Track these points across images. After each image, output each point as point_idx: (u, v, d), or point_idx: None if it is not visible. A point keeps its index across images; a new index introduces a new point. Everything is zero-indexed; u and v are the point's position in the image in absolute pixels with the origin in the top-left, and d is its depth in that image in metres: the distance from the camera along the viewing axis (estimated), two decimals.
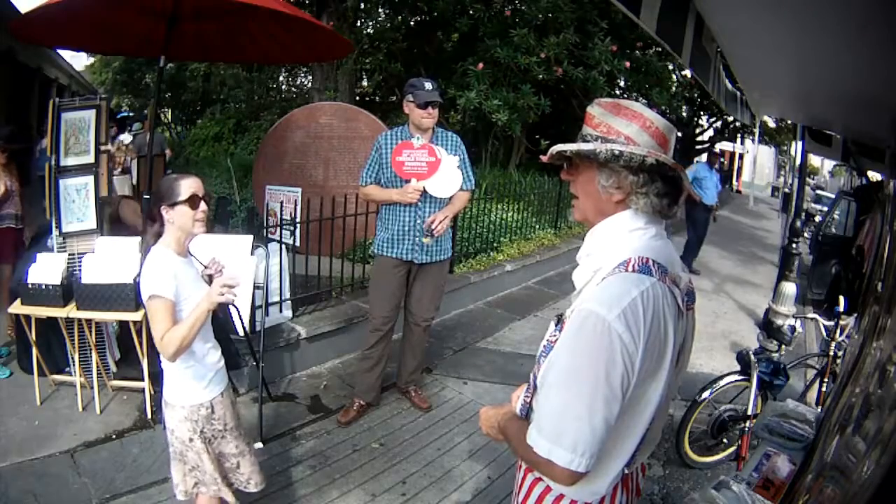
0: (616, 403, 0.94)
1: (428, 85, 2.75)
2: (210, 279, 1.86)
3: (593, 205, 1.07)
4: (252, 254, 3.21)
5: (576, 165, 1.09)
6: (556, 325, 1.08)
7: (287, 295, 3.64)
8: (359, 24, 8.94)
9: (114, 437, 2.74)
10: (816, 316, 3.17)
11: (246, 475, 1.87)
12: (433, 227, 2.78)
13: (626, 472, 1.08)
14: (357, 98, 10.06)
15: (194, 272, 1.77)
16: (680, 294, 1.03)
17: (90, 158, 3.18)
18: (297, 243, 4.17)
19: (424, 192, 2.77)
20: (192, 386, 1.72)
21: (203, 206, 1.69)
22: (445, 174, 2.78)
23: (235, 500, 1.85)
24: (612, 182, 1.03)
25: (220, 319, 2.70)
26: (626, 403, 0.96)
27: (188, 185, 1.66)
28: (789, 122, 9.33)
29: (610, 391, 0.92)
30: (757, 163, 24.50)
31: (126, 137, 8.04)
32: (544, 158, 1.10)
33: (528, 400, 1.11)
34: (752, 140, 19.94)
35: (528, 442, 1.00)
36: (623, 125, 1.02)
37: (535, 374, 1.09)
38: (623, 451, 1.05)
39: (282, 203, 4.91)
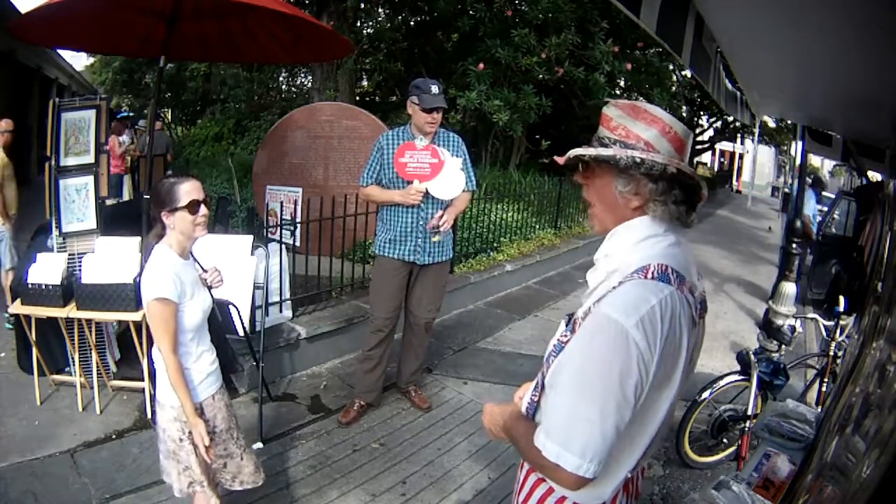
0: (628, 410, 0.92)
1: (434, 88, 2.70)
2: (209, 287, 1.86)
3: (610, 211, 1.06)
4: (252, 254, 3.21)
5: (592, 169, 1.07)
6: (566, 326, 1.07)
7: (287, 295, 3.63)
8: (359, 24, 8.95)
9: (114, 437, 2.74)
10: (816, 316, 3.17)
11: (231, 473, 1.87)
12: (440, 223, 2.77)
13: (629, 475, 1.08)
14: (357, 98, 10.07)
15: (195, 274, 1.77)
16: (694, 303, 1.01)
17: (90, 158, 3.19)
18: (297, 243, 4.17)
19: (427, 194, 2.75)
20: None
21: (203, 210, 1.67)
22: (448, 176, 2.75)
23: (219, 501, 1.82)
24: (629, 189, 1.01)
25: (217, 322, 2.69)
26: (637, 411, 0.95)
27: (187, 191, 1.64)
28: (789, 122, 9.33)
29: (623, 398, 0.91)
30: (757, 163, 24.47)
31: (126, 138, 8.04)
32: (560, 160, 1.08)
33: (536, 399, 1.09)
34: (752, 140, 19.96)
35: (536, 445, 0.98)
36: (642, 129, 1.00)
37: (543, 373, 1.07)
38: (630, 457, 1.04)
39: (282, 203, 4.92)
